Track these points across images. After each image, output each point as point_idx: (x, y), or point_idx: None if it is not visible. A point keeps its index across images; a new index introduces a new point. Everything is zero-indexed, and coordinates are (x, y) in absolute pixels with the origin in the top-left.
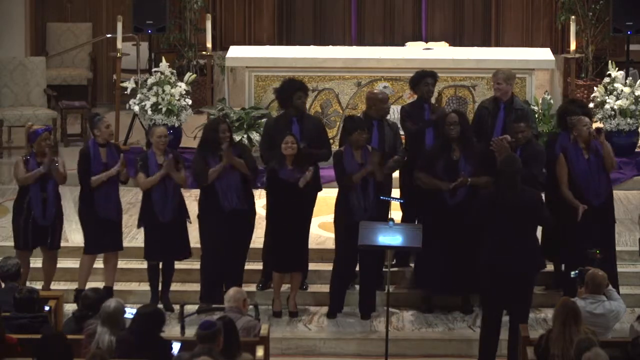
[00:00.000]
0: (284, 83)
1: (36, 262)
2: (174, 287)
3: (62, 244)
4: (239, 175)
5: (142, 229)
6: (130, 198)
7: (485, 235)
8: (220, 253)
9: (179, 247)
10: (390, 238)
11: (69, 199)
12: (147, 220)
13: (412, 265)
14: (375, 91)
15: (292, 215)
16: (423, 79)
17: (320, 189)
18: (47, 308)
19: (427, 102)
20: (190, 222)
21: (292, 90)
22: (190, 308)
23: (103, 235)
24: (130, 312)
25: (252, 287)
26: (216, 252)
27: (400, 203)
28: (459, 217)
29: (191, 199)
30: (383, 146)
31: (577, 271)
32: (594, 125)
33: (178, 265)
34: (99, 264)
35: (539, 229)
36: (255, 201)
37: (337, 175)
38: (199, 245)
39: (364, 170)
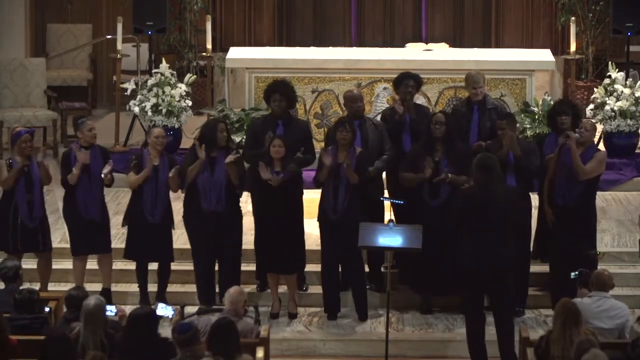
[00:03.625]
0: (269, 84)
1: (31, 264)
2: (175, 287)
3: (63, 245)
4: (224, 178)
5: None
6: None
7: (463, 236)
8: (205, 253)
9: (160, 251)
10: (390, 239)
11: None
12: (133, 219)
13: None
14: (348, 90)
15: (275, 217)
16: (404, 80)
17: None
18: (47, 309)
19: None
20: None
21: (268, 92)
22: (190, 309)
23: (87, 237)
24: (110, 309)
25: (252, 289)
26: (202, 252)
27: (400, 204)
28: (441, 218)
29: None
30: (366, 146)
31: (577, 272)
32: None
33: (179, 266)
34: (96, 265)
35: (535, 230)
36: (244, 203)
37: (315, 172)
38: (182, 248)
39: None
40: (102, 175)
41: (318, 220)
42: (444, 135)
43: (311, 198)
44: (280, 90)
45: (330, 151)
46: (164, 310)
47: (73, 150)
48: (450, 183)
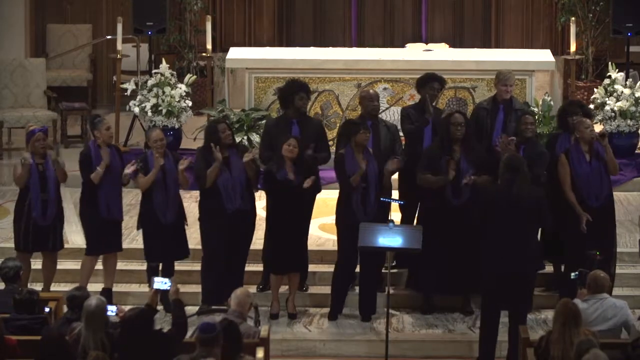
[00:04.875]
0: (287, 83)
1: (36, 264)
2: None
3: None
4: (244, 176)
5: (140, 230)
6: (131, 199)
7: (487, 235)
8: (222, 254)
9: (178, 248)
10: (390, 239)
11: (69, 200)
12: (147, 221)
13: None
14: (365, 90)
15: (290, 217)
16: (430, 82)
17: (319, 191)
18: (47, 309)
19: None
20: (187, 225)
21: (293, 90)
22: (191, 309)
23: (104, 236)
24: (111, 309)
25: (253, 289)
26: (218, 253)
27: (400, 204)
28: (462, 217)
29: (191, 200)
30: (378, 146)
31: (577, 272)
32: (597, 128)
33: (178, 266)
34: (98, 265)
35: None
36: (256, 202)
37: (338, 177)
38: (197, 247)
39: (360, 172)
40: (124, 175)
41: (338, 223)
42: (463, 136)
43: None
44: (305, 89)
45: (347, 153)
46: (160, 284)
47: (92, 149)
48: (475, 185)
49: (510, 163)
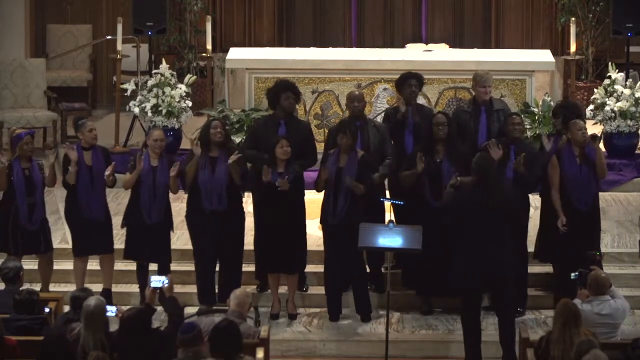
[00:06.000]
0: (275, 83)
1: (32, 264)
2: (174, 288)
3: (63, 246)
4: (225, 176)
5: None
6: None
7: (462, 236)
8: (207, 253)
9: (159, 251)
10: (390, 240)
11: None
12: (131, 220)
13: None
14: (351, 90)
15: (276, 217)
16: (407, 80)
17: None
18: (47, 310)
19: (410, 104)
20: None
21: (280, 89)
22: (191, 310)
23: (89, 237)
24: (111, 309)
25: (252, 289)
26: (203, 252)
27: (393, 204)
28: (442, 219)
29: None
30: (367, 148)
31: (576, 273)
32: (596, 129)
33: (179, 267)
34: (97, 266)
35: (536, 233)
36: (245, 204)
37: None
38: (182, 248)
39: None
40: (105, 176)
41: (321, 223)
42: (446, 136)
43: (312, 199)
44: (292, 89)
45: (332, 156)
46: (158, 282)
47: (65, 150)
48: (460, 186)
49: (479, 164)
